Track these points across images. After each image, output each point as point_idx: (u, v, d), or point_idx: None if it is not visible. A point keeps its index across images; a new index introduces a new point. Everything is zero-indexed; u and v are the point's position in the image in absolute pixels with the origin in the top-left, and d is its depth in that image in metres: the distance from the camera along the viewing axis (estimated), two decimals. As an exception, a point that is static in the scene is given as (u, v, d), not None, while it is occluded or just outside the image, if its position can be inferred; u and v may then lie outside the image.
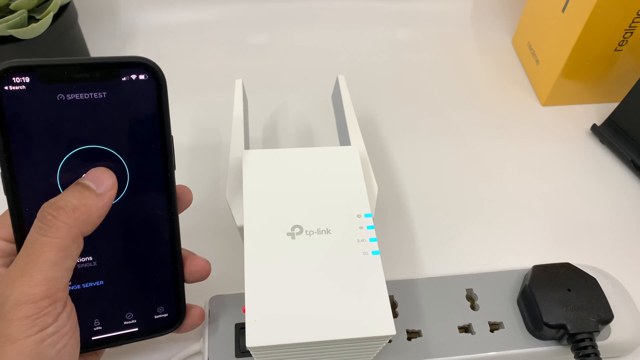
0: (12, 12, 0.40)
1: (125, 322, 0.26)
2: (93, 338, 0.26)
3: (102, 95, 0.23)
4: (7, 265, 0.24)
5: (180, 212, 0.27)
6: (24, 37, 0.39)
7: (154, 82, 0.23)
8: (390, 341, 0.30)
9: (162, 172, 0.25)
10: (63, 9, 0.43)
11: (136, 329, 0.27)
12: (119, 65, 0.22)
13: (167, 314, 0.27)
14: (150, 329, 0.27)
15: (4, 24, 0.38)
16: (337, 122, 0.39)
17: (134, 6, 0.56)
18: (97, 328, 0.26)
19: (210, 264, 0.28)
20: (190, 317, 0.28)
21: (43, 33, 0.40)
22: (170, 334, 0.28)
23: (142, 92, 0.23)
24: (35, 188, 0.23)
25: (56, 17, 0.42)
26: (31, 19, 0.41)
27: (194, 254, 0.28)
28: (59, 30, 0.42)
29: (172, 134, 0.25)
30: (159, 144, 0.25)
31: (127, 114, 0.23)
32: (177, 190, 0.26)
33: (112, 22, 0.55)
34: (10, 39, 0.40)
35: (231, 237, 0.33)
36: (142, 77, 0.23)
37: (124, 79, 0.23)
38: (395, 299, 0.32)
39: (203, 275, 0.28)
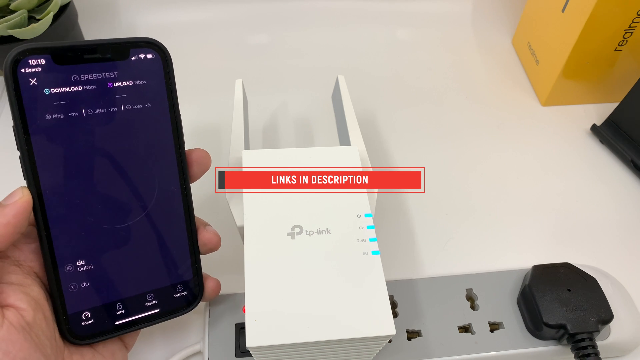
0: (12, 12, 0.40)
1: (146, 304, 0.27)
2: (116, 323, 0.26)
3: (114, 74, 0.24)
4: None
5: (200, 175, 0.28)
6: (24, 37, 0.39)
7: (162, 60, 0.25)
8: (390, 341, 0.30)
9: (174, 146, 0.26)
10: (63, 9, 0.43)
11: (158, 310, 0.27)
12: (128, 45, 0.24)
13: (186, 292, 0.28)
14: (172, 309, 0.27)
15: (4, 24, 0.38)
16: (337, 122, 0.39)
17: (134, 6, 0.56)
18: (119, 312, 0.26)
19: (219, 235, 0.28)
20: (207, 291, 0.28)
21: (43, 33, 0.40)
22: (170, 331, 0.28)
23: (150, 70, 0.25)
24: (55, 168, 0.23)
25: (56, 17, 0.42)
26: (31, 19, 0.41)
27: (203, 227, 0.28)
28: (59, 30, 0.42)
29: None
30: (169, 119, 0.26)
31: (138, 91, 0.24)
32: (197, 154, 0.27)
33: (112, 22, 0.55)
34: (10, 39, 0.40)
35: (231, 237, 0.33)
36: (150, 56, 0.24)
37: (133, 58, 0.24)
38: (395, 299, 0.32)
39: (213, 247, 0.28)
